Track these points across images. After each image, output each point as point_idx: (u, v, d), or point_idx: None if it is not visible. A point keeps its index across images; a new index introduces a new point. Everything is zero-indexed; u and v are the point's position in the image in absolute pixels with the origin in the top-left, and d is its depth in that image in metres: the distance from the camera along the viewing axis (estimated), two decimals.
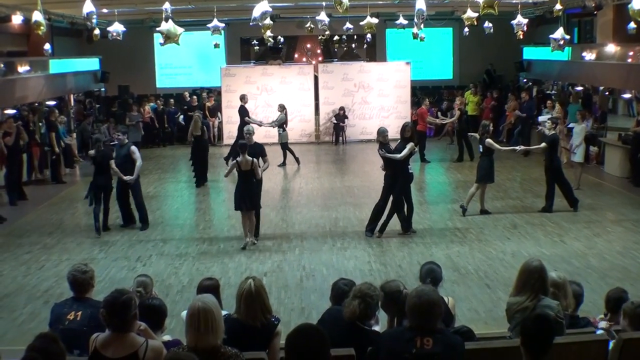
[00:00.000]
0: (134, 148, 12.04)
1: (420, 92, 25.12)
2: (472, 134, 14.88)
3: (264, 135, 19.92)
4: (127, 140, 12.11)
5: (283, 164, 17.89)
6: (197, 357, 3.69)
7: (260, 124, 18.26)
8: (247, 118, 17.96)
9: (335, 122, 21.62)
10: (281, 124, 17.82)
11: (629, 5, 9.56)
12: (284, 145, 17.91)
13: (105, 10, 16.78)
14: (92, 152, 12.06)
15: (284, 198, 14.58)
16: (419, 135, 18.29)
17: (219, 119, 22.03)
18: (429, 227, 11.83)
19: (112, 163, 11.72)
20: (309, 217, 12.79)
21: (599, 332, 5.17)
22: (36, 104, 17.89)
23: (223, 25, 15.62)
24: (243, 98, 18.36)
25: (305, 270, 9.77)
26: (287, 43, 27.59)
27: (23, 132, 14.80)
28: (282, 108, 18.05)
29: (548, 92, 22.60)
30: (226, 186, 15.32)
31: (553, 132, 12.58)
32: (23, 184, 15.02)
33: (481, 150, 12.48)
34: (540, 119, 16.74)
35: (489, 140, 12.32)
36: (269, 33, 14.25)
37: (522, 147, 13.69)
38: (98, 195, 11.69)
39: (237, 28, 24.66)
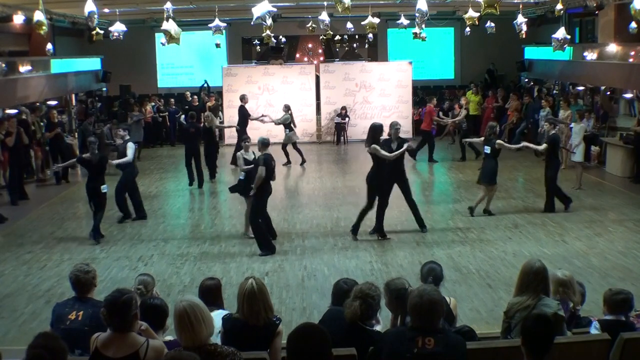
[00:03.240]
0: (130, 144, 12.08)
1: (422, 91, 25.14)
2: (467, 139, 14.94)
3: (265, 135, 19.89)
4: (127, 137, 12.20)
5: (288, 163, 17.92)
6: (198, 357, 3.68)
7: (262, 120, 18.24)
8: (249, 119, 17.95)
9: (337, 121, 21.65)
10: (287, 123, 17.79)
11: (631, 5, 9.55)
12: (284, 146, 17.88)
13: (106, 10, 16.80)
14: (87, 155, 11.33)
15: (286, 198, 14.57)
16: (426, 135, 18.38)
17: (220, 118, 22.01)
18: (430, 226, 11.80)
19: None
20: (311, 216, 12.80)
21: None
22: (37, 104, 17.90)
23: (224, 25, 15.61)
24: (243, 98, 18.31)
25: (307, 270, 9.77)
26: (289, 43, 27.56)
27: (23, 134, 14.81)
28: (287, 108, 18.01)
29: (554, 92, 22.60)
30: (227, 187, 15.34)
31: (553, 132, 12.67)
32: (24, 183, 15.04)
33: (488, 152, 12.44)
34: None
35: (499, 141, 12.38)
36: (268, 32, 14.26)
37: (524, 144, 13.62)
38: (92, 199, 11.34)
39: (238, 28, 24.65)
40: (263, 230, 10.59)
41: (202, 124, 16.12)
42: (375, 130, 10.86)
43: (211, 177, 16.27)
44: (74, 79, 20.21)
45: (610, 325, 5.11)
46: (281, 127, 18.26)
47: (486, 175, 12.40)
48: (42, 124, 17.33)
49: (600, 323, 5.16)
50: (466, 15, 13.87)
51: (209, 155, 16.18)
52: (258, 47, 28.61)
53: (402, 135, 11.80)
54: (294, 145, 18.01)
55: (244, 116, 17.95)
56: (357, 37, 27.42)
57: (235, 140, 18.50)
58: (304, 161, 17.98)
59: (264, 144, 10.64)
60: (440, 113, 21.10)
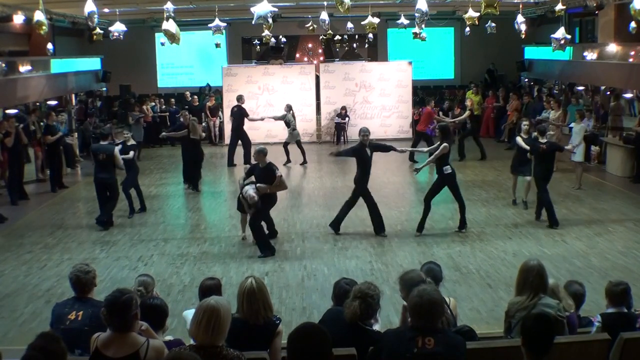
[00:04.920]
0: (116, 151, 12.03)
1: (422, 91, 25.14)
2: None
3: (265, 135, 19.98)
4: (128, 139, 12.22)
5: (288, 162, 17.90)
6: (199, 357, 3.68)
7: (262, 119, 18.23)
8: (247, 118, 17.88)
9: (337, 121, 21.64)
10: (288, 122, 17.73)
11: (631, 5, 9.56)
12: (286, 145, 17.87)
13: (106, 10, 16.81)
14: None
15: (285, 198, 14.53)
16: (422, 136, 18.38)
17: (220, 118, 22.04)
18: (430, 226, 11.79)
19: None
20: (311, 216, 12.79)
21: None
22: (37, 104, 17.89)
23: (224, 24, 15.61)
24: (240, 99, 18.18)
25: (307, 270, 9.77)
26: (289, 43, 27.60)
27: (22, 134, 14.79)
28: (289, 108, 17.96)
29: (555, 91, 22.62)
30: (227, 187, 15.34)
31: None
32: (24, 183, 15.03)
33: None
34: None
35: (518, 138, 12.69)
36: (267, 32, 14.27)
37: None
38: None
39: (238, 28, 24.69)
40: (263, 233, 10.66)
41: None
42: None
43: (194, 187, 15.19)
44: (74, 79, 20.23)
45: (612, 318, 5.17)
46: (281, 126, 18.22)
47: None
48: (41, 124, 17.30)
49: (603, 317, 5.21)
50: (466, 15, 13.86)
51: (190, 165, 15.22)
52: (258, 47, 28.65)
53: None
54: (298, 144, 17.92)
55: (241, 117, 17.82)
56: (357, 37, 27.46)
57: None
58: (305, 162, 17.96)
59: (264, 153, 10.31)
60: (440, 113, 21.15)
